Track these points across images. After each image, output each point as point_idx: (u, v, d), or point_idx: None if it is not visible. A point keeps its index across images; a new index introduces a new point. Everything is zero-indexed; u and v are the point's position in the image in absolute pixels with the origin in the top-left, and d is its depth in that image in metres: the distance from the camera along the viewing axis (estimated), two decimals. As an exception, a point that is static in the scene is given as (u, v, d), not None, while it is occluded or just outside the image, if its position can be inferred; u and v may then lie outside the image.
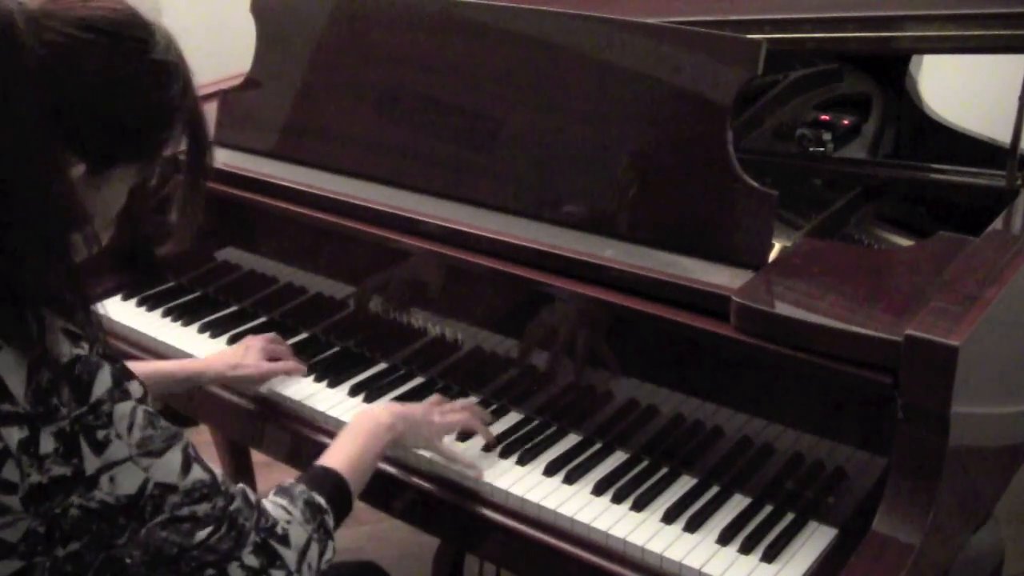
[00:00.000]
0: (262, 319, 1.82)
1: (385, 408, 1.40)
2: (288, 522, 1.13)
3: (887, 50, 1.67)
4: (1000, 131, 1.67)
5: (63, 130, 0.97)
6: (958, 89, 2.25)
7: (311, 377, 1.63)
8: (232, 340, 1.74)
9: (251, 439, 1.82)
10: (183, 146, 1.13)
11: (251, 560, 1.08)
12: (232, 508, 1.07)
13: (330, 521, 1.19)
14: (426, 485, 1.43)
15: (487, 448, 1.46)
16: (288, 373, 1.62)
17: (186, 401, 1.70)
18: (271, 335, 1.68)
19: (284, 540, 1.11)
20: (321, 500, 1.19)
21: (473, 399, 1.54)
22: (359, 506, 1.31)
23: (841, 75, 2.01)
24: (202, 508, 1.04)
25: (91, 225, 1.02)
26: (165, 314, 1.84)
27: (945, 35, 1.58)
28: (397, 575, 1.57)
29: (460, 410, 1.47)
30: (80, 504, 0.98)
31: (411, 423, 1.38)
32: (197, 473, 1.04)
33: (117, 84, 1.01)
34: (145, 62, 1.03)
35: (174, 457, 1.03)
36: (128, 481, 0.99)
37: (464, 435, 1.48)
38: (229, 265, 1.86)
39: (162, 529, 1.02)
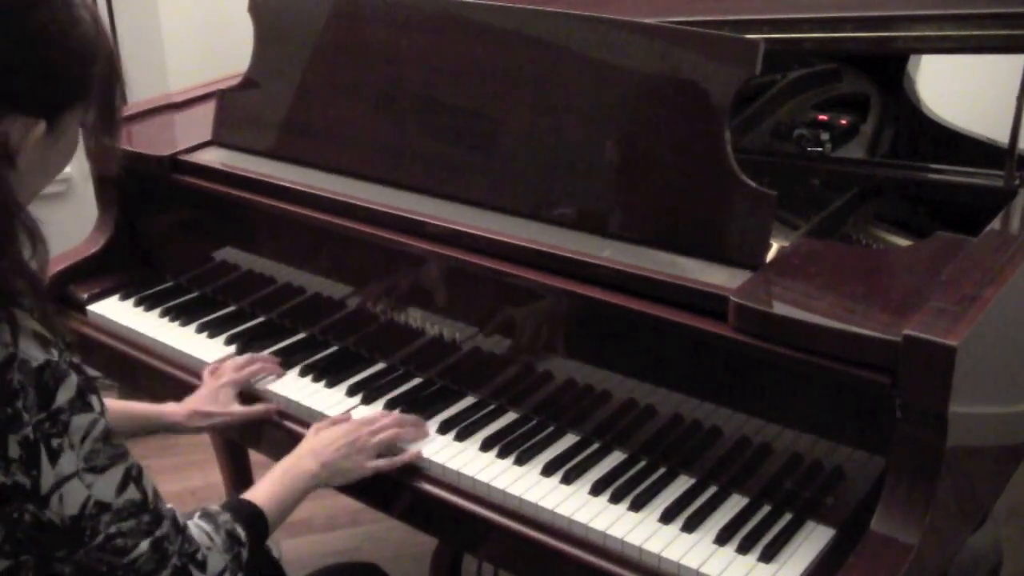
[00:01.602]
0: (260, 319, 1.82)
1: (313, 454, 1.41)
2: (209, 548, 1.17)
3: (885, 50, 1.67)
4: (998, 131, 1.67)
5: (8, 99, 0.99)
6: (956, 89, 2.25)
7: (309, 377, 1.63)
8: (230, 340, 1.74)
9: (249, 440, 1.82)
10: None
11: None
12: (160, 532, 1.10)
13: (245, 554, 1.23)
14: (424, 486, 1.43)
15: (458, 433, 1.47)
16: (262, 417, 1.59)
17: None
18: (242, 361, 1.64)
19: (202, 566, 1.15)
20: (241, 533, 1.23)
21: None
22: (357, 507, 1.32)
23: (839, 75, 2.01)
24: (127, 524, 1.07)
25: (24, 214, 1.02)
26: (163, 314, 1.84)
27: (943, 35, 1.58)
28: (395, 575, 1.57)
29: (389, 426, 1.46)
30: (34, 512, 1.01)
31: (335, 469, 1.40)
32: (131, 493, 1.07)
33: (41, 35, 1.01)
34: (55, 5, 1.03)
35: (115, 475, 1.06)
36: (73, 500, 1.02)
37: (460, 434, 1.48)
38: (227, 265, 1.86)
39: (99, 551, 1.06)
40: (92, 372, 1.12)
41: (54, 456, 1.00)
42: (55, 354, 1.00)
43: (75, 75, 1.05)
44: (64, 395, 1.00)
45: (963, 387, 1.14)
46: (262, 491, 1.33)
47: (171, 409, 1.58)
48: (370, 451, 1.43)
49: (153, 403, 1.59)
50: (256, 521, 1.27)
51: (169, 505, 1.14)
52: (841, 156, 1.81)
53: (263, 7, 1.86)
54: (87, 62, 1.06)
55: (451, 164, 1.60)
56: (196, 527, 1.19)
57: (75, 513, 1.03)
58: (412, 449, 1.45)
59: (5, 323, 0.98)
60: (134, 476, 1.08)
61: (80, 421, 1.02)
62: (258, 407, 1.59)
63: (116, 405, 1.53)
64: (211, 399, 1.58)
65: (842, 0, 1.66)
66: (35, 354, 0.99)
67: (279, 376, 1.64)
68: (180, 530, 1.14)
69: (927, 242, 1.42)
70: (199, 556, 1.15)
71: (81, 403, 1.02)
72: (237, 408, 1.58)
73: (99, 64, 1.08)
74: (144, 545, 1.08)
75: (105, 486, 1.05)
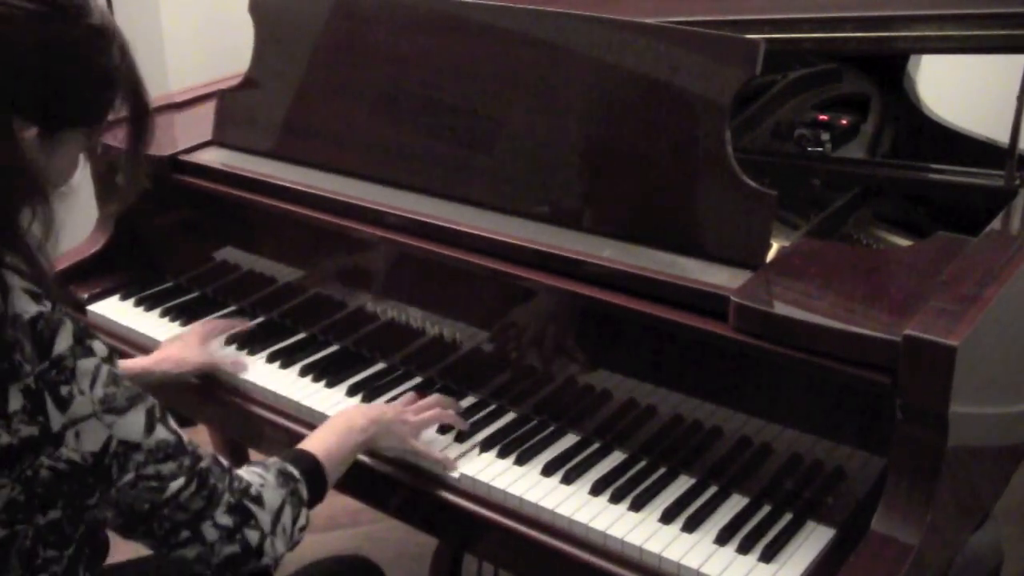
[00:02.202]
0: (260, 319, 1.82)
1: (360, 412, 1.42)
2: (262, 485, 1.16)
3: (885, 50, 1.67)
4: (998, 131, 1.67)
5: (11, 95, 1.00)
6: (956, 89, 2.25)
7: (309, 377, 1.63)
8: (229, 340, 1.74)
9: (249, 439, 1.82)
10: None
11: (225, 520, 1.11)
12: (202, 466, 1.09)
13: (303, 490, 1.22)
14: (424, 486, 1.43)
15: (458, 434, 1.48)
16: (233, 365, 1.64)
17: (185, 401, 1.70)
18: (206, 321, 1.72)
19: (258, 501, 1.14)
20: (294, 470, 1.22)
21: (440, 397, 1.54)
22: (357, 507, 1.32)
23: (840, 75, 2.01)
24: (167, 467, 1.06)
25: (44, 197, 1.04)
26: (163, 314, 1.84)
27: (943, 35, 1.58)
28: (395, 575, 1.57)
29: (432, 406, 1.48)
30: (50, 465, 1.00)
31: (383, 428, 1.40)
32: (161, 433, 1.07)
33: (60, 48, 1.03)
34: (83, 27, 1.05)
35: (137, 416, 1.05)
36: (92, 437, 1.01)
37: (460, 435, 1.48)
38: (227, 265, 1.86)
39: (131, 488, 1.05)
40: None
41: (63, 402, 0.99)
42: (47, 305, 1.00)
43: (79, 98, 1.06)
44: (63, 343, 0.99)
45: (964, 387, 1.14)
46: (312, 442, 1.32)
47: (139, 360, 1.59)
48: (417, 425, 1.44)
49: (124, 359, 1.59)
50: (310, 462, 1.26)
51: (210, 450, 1.13)
52: (841, 156, 1.81)
53: (264, 7, 1.86)
54: (97, 89, 1.07)
55: (451, 164, 1.60)
56: (244, 470, 1.18)
57: (96, 450, 1.01)
58: (450, 455, 1.43)
59: None
60: (159, 416, 1.07)
61: (86, 365, 1.01)
62: (228, 356, 1.64)
63: None
64: (182, 347, 1.61)
65: (842, 0, 1.66)
66: (26, 307, 0.99)
67: (244, 330, 1.72)
68: (225, 469, 1.13)
69: (928, 242, 1.42)
70: (253, 491, 1.14)
71: (82, 348, 1.01)
72: (207, 356, 1.62)
73: (114, 96, 1.09)
74: (182, 480, 1.07)
75: (129, 426, 1.04)
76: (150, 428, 1.06)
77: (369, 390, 1.59)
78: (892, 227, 1.63)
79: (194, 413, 1.84)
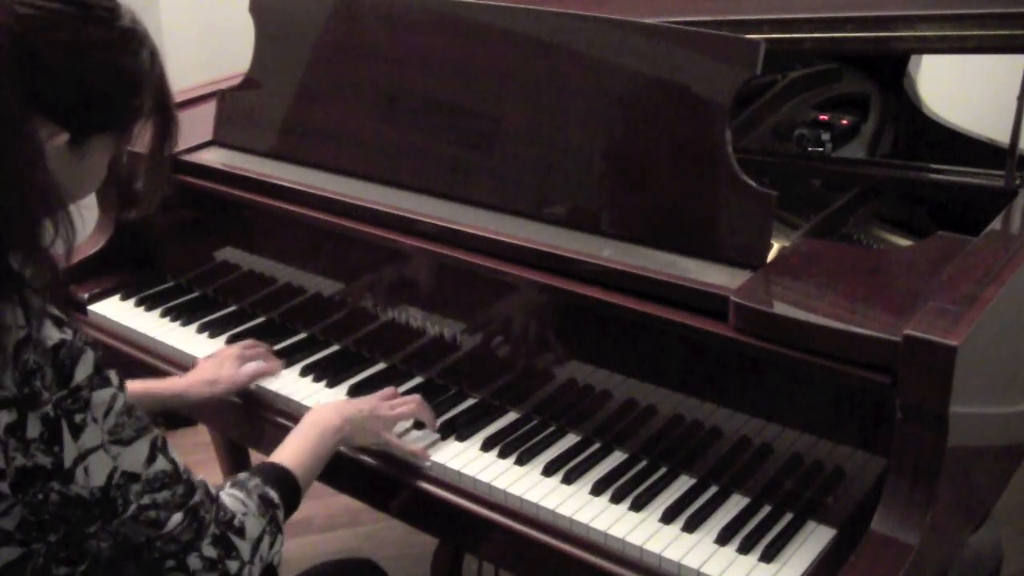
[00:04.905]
0: (261, 319, 1.82)
1: (334, 409, 1.43)
2: (244, 514, 1.17)
3: (886, 50, 1.67)
4: (999, 131, 1.67)
5: (40, 101, 1.00)
6: (957, 89, 2.25)
7: (310, 377, 1.64)
8: (231, 340, 1.74)
9: (250, 439, 1.82)
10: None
11: (209, 551, 1.12)
12: (193, 500, 1.11)
13: (281, 515, 1.24)
14: (425, 486, 1.43)
15: (459, 434, 1.48)
16: (266, 374, 1.62)
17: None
18: (246, 342, 1.68)
19: (240, 532, 1.16)
20: (274, 495, 1.24)
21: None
22: (357, 506, 1.32)
23: (840, 75, 2.01)
24: (162, 496, 1.08)
25: (64, 208, 1.03)
26: (164, 314, 1.84)
27: (944, 35, 1.58)
28: (395, 575, 1.57)
29: (408, 402, 1.49)
30: (60, 491, 1.01)
31: (358, 424, 1.42)
32: (160, 463, 1.08)
33: (89, 51, 1.03)
34: (114, 29, 1.06)
35: (142, 447, 1.06)
36: (99, 471, 1.03)
37: (461, 434, 1.48)
38: (228, 265, 1.86)
39: (133, 522, 1.06)
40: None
41: (77, 431, 1.00)
42: (70, 333, 1.01)
43: (110, 101, 1.07)
44: (82, 372, 1.00)
45: (964, 387, 1.14)
46: (288, 451, 1.33)
47: (170, 382, 1.58)
48: (389, 420, 1.45)
49: (156, 379, 1.58)
50: (286, 481, 1.27)
51: (200, 476, 1.14)
52: (842, 156, 1.81)
53: (264, 7, 1.86)
54: (127, 93, 1.08)
55: (451, 164, 1.60)
56: (228, 496, 1.19)
57: (102, 484, 1.03)
58: (426, 448, 1.45)
59: (18, 306, 0.98)
60: (160, 447, 1.08)
61: (102, 396, 1.02)
62: (263, 365, 1.61)
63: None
64: (216, 367, 1.59)
65: (842, 0, 1.66)
66: (50, 333, 0.99)
67: (274, 371, 1.65)
68: (213, 499, 1.14)
69: (928, 242, 1.42)
70: (236, 522, 1.15)
71: (100, 378, 1.02)
72: (241, 373, 1.59)
73: (143, 100, 1.10)
74: (179, 515, 1.09)
75: (132, 457, 1.05)
76: (151, 459, 1.07)
77: (370, 390, 1.59)
78: (892, 227, 1.63)
79: (194, 413, 1.84)
